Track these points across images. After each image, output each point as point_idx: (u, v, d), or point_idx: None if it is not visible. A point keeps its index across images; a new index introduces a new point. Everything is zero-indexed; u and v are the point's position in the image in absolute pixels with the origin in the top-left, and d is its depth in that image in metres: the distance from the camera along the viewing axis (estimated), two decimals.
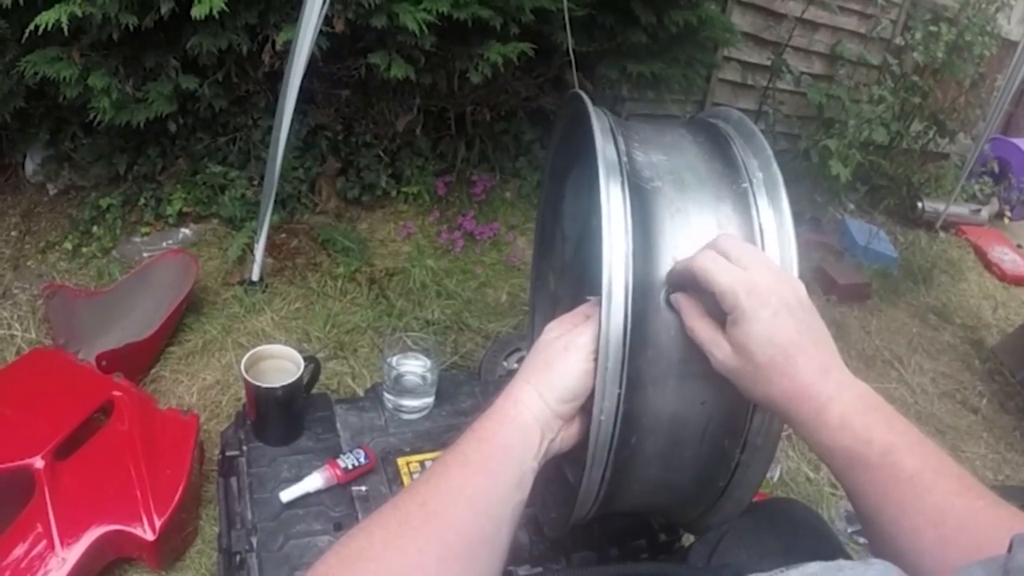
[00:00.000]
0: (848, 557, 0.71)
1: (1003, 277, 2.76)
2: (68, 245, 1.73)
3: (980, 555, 0.36)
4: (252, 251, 1.64)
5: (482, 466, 0.57)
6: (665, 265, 0.65)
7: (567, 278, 0.81)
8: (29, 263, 1.70)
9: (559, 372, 0.60)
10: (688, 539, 0.88)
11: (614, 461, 0.64)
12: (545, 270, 0.90)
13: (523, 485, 0.58)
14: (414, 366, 0.97)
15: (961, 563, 0.35)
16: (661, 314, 0.63)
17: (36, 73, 1.44)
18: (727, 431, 0.68)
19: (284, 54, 1.41)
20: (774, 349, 0.49)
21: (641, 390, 0.63)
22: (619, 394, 0.61)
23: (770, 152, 0.65)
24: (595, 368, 0.60)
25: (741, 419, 0.68)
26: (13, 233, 1.78)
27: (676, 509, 0.78)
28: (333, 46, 1.60)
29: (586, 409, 0.62)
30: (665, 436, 0.66)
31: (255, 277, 1.65)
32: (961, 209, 3.04)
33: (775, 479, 1.51)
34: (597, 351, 0.60)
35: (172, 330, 1.50)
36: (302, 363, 0.89)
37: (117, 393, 1.17)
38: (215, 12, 1.33)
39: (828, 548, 0.70)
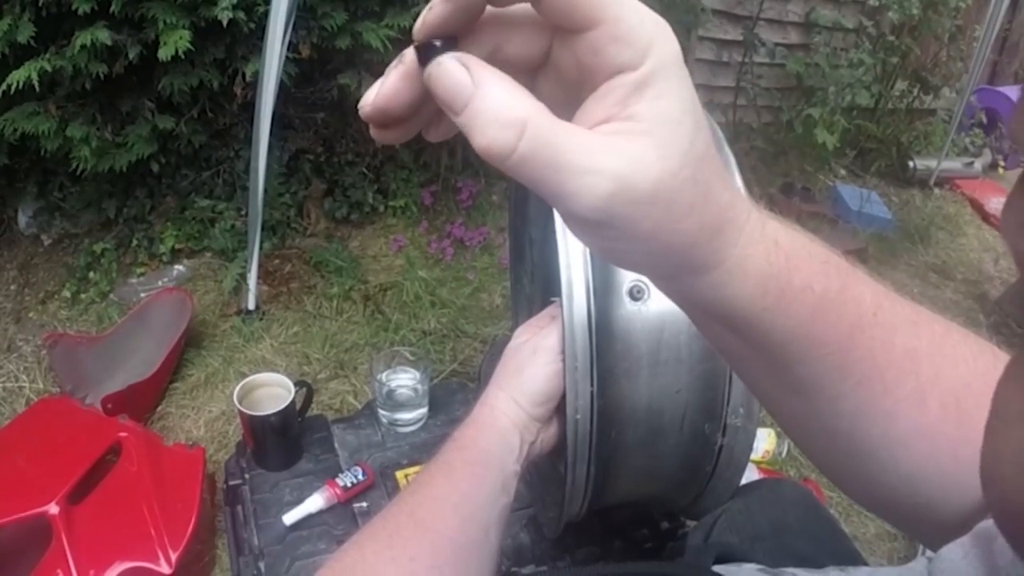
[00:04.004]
0: (839, 532, 0.72)
1: None
2: (67, 293, 1.76)
3: (957, 402, 0.32)
4: (246, 281, 1.67)
5: (466, 473, 0.59)
6: None
7: (536, 281, 0.82)
8: (30, 314, 1.73)
9: (530, 376, 0.61)
10: (692, 525, 0.89)
11: (596, 456, 0.66)
12: (520, 274, 0.91)
13: (507, 488, 0.59)
14: (404, 379, 0.99)
15: (937, 419, 0.32)
16: (626, 308, 0.65)
17: (15, 130, 1.47)
18: (706, 416, 0.69)
19: (255, 85, 1.42)
20: (705, 134, 0.25)
21: (614, 385, 0.64)
22: (592, 391, 0.62)
23: (721, 134, 0.66)
24: (564, 368, 0.61)
25: (718, 403, 0.69)
26: (12, 287, 1.81)
27: (668, 496, 0.79)
28: (303, 71, 1.62)
29: (562, 409, 0.63)
30: (644, 427, 0.68)
31: (251, 306, 1.67)
32: (954, 164, 3.02)
33: (783, 455, 1.51)
34: (564, 351, 0.61)
35: (173, 367, 1.52)
36: (293, 388, 0.91)
37: (123, 434, 1.20)
38: (181, 52, 1.35)
39: (817, 525, 0.70)
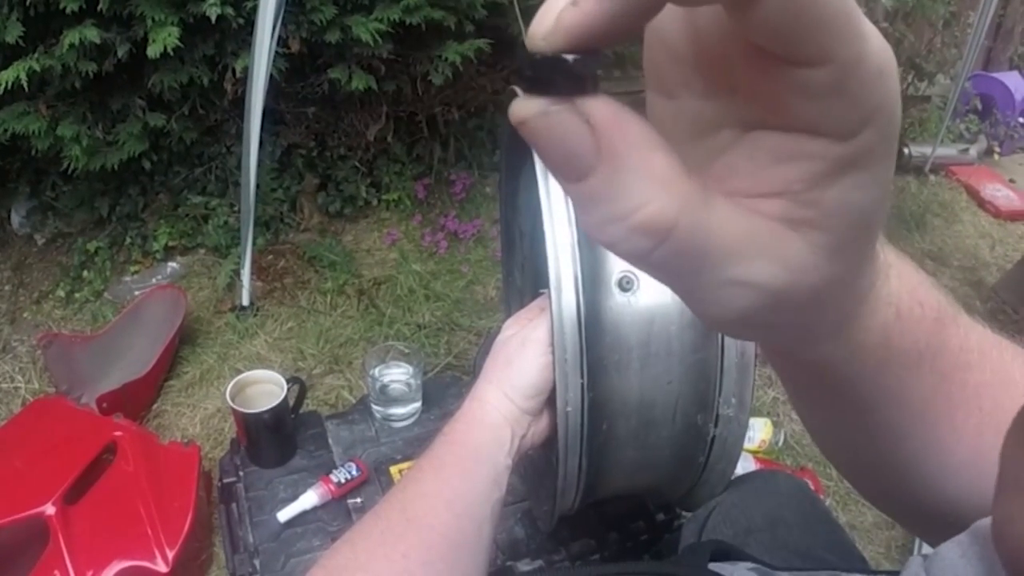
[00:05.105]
0: (834, 524, 0.72)
1: (998, 214, 2.74)
2: (61, 292, 1.76)
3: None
4: (240, 277, 1.66)
5: (457, 468, 0.58)
6: None
7: (527, 273, 0.82)
8: (25, 315, 1.73)
9: (519, 368, 0.61)
10: (688, 516, 0.89)
11: (588, 449, 0.65)
12: (512, 267, 0.91)
13: (499, 483, 0.59)
14: (397, 374, 0.99)
15: (991, 446, 0.29)
16: (615, 299, 0.64)
17: (6, 130, 1.46)
18: (698, 407, 0.68)
19: (245, 81, 1.42)
20: (884, 218, 0.22)
21: (605, 377, 0.64)
22: (582, 383, 0.62)
23: None
24: (553, 360, 0.61)
25: (710, 393, 0.69)
26: (7, 287, 1.80)
27: (662, 488, 0.79)
28: (293, 66, 1.61)
29: (553, 401, 0.63)
30: (636, 419, 0.67)
31: (245, 302, 1.66)
32: (949, 150, 3.01)
33: (780, 444, 1.51)
34: (553, 343, 0.60)
35: (168, 365, 1.52)
36: (285, 385, 0.91)
37: (119, 433, 1.20)
38: (170, 49, 1.34)
39: (812, 517, 0.70)
